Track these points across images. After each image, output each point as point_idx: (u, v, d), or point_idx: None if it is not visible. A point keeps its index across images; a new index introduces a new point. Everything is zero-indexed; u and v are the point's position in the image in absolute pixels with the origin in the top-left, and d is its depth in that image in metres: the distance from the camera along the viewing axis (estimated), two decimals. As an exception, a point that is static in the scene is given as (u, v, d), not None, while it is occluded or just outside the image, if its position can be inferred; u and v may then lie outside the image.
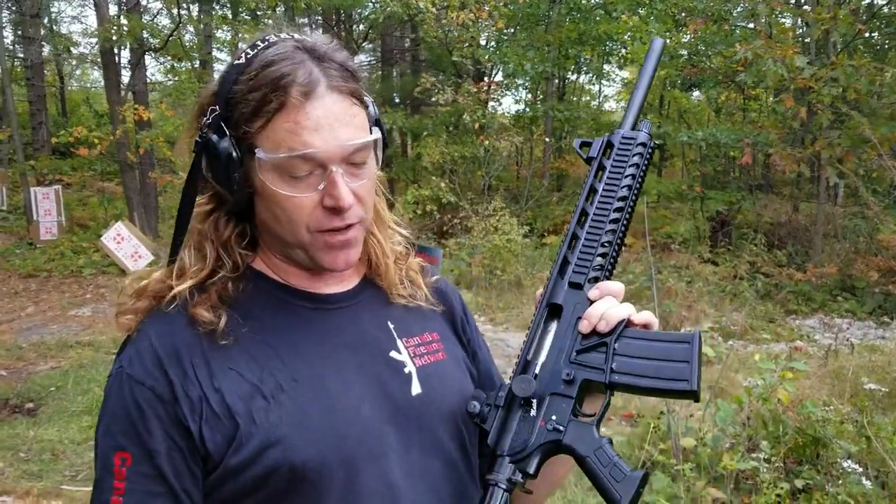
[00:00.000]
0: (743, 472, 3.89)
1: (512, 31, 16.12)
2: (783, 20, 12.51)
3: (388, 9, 12.76)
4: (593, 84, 22.42)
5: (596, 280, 1.12)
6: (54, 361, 6.94)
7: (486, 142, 12.44)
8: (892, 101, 10.27)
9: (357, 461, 1.02)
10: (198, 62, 16.40)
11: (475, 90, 12.95)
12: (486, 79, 15.52)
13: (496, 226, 10.20)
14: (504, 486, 1.03)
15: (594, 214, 1.17)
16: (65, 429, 5.20)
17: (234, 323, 1.03)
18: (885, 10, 14.23)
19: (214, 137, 1.00)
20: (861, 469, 3.31)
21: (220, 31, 20.42)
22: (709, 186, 13.90)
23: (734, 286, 9.65)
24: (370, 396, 1.07)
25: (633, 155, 1.21)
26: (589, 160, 1.23)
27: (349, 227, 1.03)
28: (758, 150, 11.47)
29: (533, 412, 1.06)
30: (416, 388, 1.11)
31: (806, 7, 12.51)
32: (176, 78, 17.62)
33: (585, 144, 1.24)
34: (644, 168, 1.21)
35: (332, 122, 0.98)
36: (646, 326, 1.09)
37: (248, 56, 1.01)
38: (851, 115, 9.21)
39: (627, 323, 1.08)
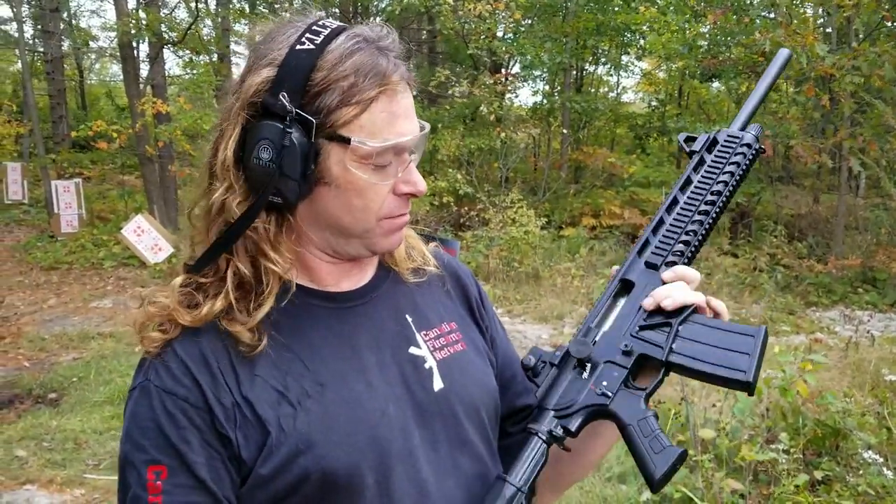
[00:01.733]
0: (761, 464, 3.88)
1: (529, 22, 16.05)
2: (804, 10, 12.36)
3: (406, 0, 12.74)
4: (611, 75, 22.28)
5: (673, 264, 1.14)
6: (76, 352, 7.02)
7: (503, 133, 12.40)
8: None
9: (387, 463, 1.01)
10: (215, 56, 16.47)
11: (492, 82, 12.91)
12: (502, 70, 15.46)
13: (514, 218, 10.19)
14: (544, 437, 1.05)
15: (684, 203, 1.20)
16: (87, 419, 5.25)
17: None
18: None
19: (292, 129, 0.96)
20: (882, 460, 3.29)
21: (237, 24, 20.50)
22: (728, 178, 13.77)
23: (754, 278, 9.59)
24: (394, 396, 1.06)
25: (736, 154, 1.22)
26: (691, 153, 1.26)
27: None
28: (778, 142, 11.36)
29: (585, 375, 1.08)
30: (437, 384, 1.11)
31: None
32: (194, 71, 17.73)
33: (690, 139, 1.28)
34: (745, 168, 1.22)
35: (411, 111, 1.02)
36: (716, 315, 1.10)
37: (317, 42, 0.97)
38: (875, 103, 9.09)
39: (696, 309, 1.08)
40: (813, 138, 10.65)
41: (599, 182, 15.07)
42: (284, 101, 0.96)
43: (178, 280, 1.04)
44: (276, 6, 17.21)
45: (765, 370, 5.49)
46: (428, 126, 1.06)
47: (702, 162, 1.23)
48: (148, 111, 11.88)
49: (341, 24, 1.02)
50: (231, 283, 1.00)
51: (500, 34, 14.66)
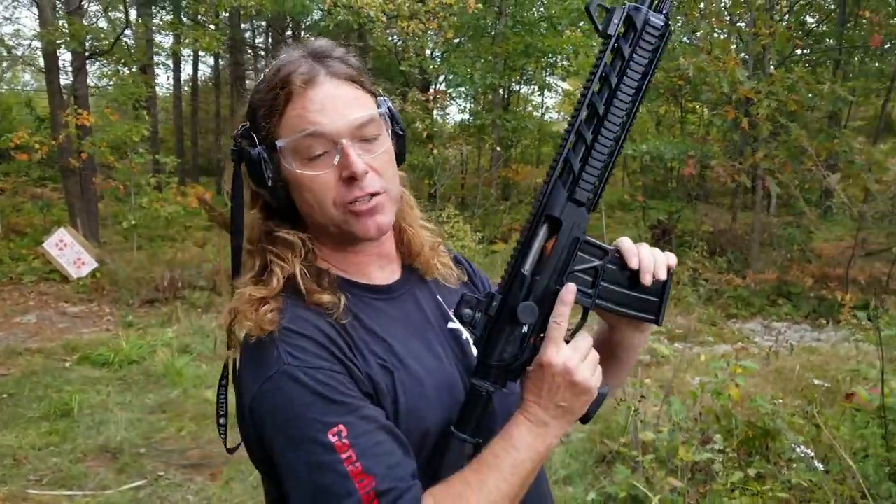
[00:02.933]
0: (697, 464, 4.10)
1: (458, 41, 16.33)
2: (721, 35, 13.00)
3: (339, 17, 12.80)
4: (536, 95, 22.84)
5: (598, 199, 1.11)
6: (3, 369, 6.77)
7: (436, 150, 12.57)
8: (824, 113, 10.82)
9: None
10: (135, 67, 16.13)
11: (423, 99, 13.08)
12: (431, 88, 15.66)
13: (450, 232, 10.35)
14: (490, 391, 1.12)
15: (608, 122, 1.06)
16: (23, 435, 5.10)
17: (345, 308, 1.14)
18: (816, 28, 14.94)
19: (246, 146, 1.15)
20: (812, 454, 3.55)
21: (159, 35, 20.11)
22: (650, 196, 14.32)
23: (678, 291, 9.99)
24: (454, 364, 1.21)
25: (653, 49, 1.07)
26: (605, 35, 1.06)
27: (372, 196, 1.13)
28: (696, 162, 11.91)
29: (524, 329, 1.12)
30: (475, 351, 1.23)
31: (741, 24, 13.06)
32: (114, 82, 17.31)
33: (602, 7, 1.07)
34: (656, 65, 1.08)
35: (336, 103, 1.12)
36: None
37: (265, 73, 1.17)
38: (791, 127, 9.67)
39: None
40: (732, 159, 11.21)
41: (528, 198, 15.42)
42: (240, 129, 1.17)
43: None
44: (201, 17, 17.02)
45: (694, 377, 5.78)
46: (375, 110, 1.15)
47: (619, 53, 1.06)
48: (71, 122, 11.56)
49: (295, 48, 1.19)
50: (260, 272, 1.17)
51: (429, 53, 14.88)
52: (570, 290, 1.11)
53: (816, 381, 4.76)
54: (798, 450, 3.55)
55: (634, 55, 1.05)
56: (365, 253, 1.23)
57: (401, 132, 1.23)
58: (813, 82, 10.00)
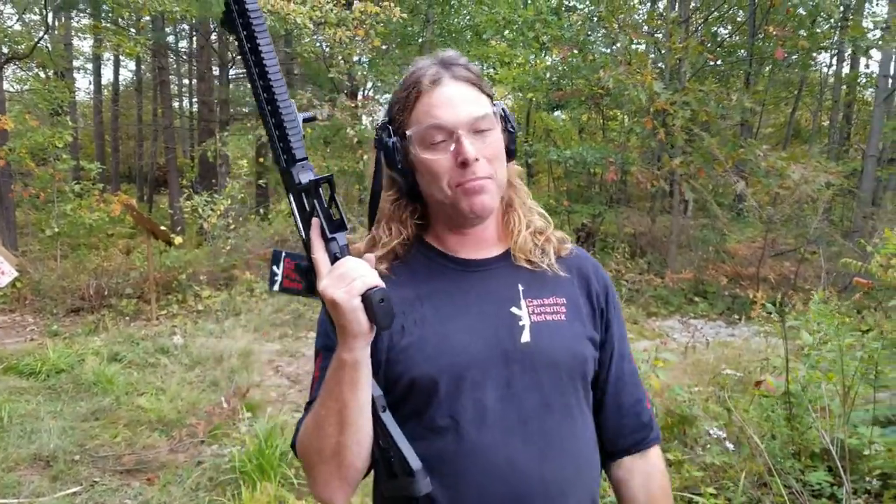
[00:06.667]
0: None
1: (386, 48, 16.47)
2: (638, 47, 13.52)
3: (265, 24, 12.75)
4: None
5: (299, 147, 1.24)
6: (-75, 380, 6.59)
7: (366, 156, 12.64)
8: (735, 122, 11.40)
9: (459, 384, 1.33)
10: (52, 72, 15.70)
11: (352, 105, 13.14)
12: (359, 95, 15.74)
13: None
14: None
15: (276, 87, 1.18)
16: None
17: (397, 271, 1.41)
18: (728, 39, 15.64)
19: (383, 137, 1.39)
20: (725, 436, 3.83)
21: (77, 38, 19.59)
22: (574, 200, 14.74)
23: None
24: (484, 338, 1.36)
25: (257, 20, 1.18)
26: (225, 27, 1.21)
27: (480, 179, 1.34)
28: (618, 167, 12.37)
29: None
30: (525, 338, 1.38)
31: (658, 35, 13.61)
32: (31, 86, 16.80)
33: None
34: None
35: (455, 101, 1.34)
36: None
37: (404, 78, 1.41)
38: (702, 135, 10.18)
39: None
40: (650, 165, 11.69)
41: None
42: (380, 123, 1.42)
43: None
44: (121, 21, 16.70)
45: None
46: (487, 109, 1.36)
47: (247, 26, 1.16)
48: (-12, 128, 11.21)
49: (427, 58, 1.42)
50: (371, 239, 1.45)
51: (356, 59, 14.95)
52: (313, 225, 1.25)
53: (729, 371, 5.09)
54: (712, 432, 3.83)
55: (249, 30, 1.16)
56: (470, 235, 1.44)
57: (511, 130, 1.42)
58: (724, 94, 10.55)
